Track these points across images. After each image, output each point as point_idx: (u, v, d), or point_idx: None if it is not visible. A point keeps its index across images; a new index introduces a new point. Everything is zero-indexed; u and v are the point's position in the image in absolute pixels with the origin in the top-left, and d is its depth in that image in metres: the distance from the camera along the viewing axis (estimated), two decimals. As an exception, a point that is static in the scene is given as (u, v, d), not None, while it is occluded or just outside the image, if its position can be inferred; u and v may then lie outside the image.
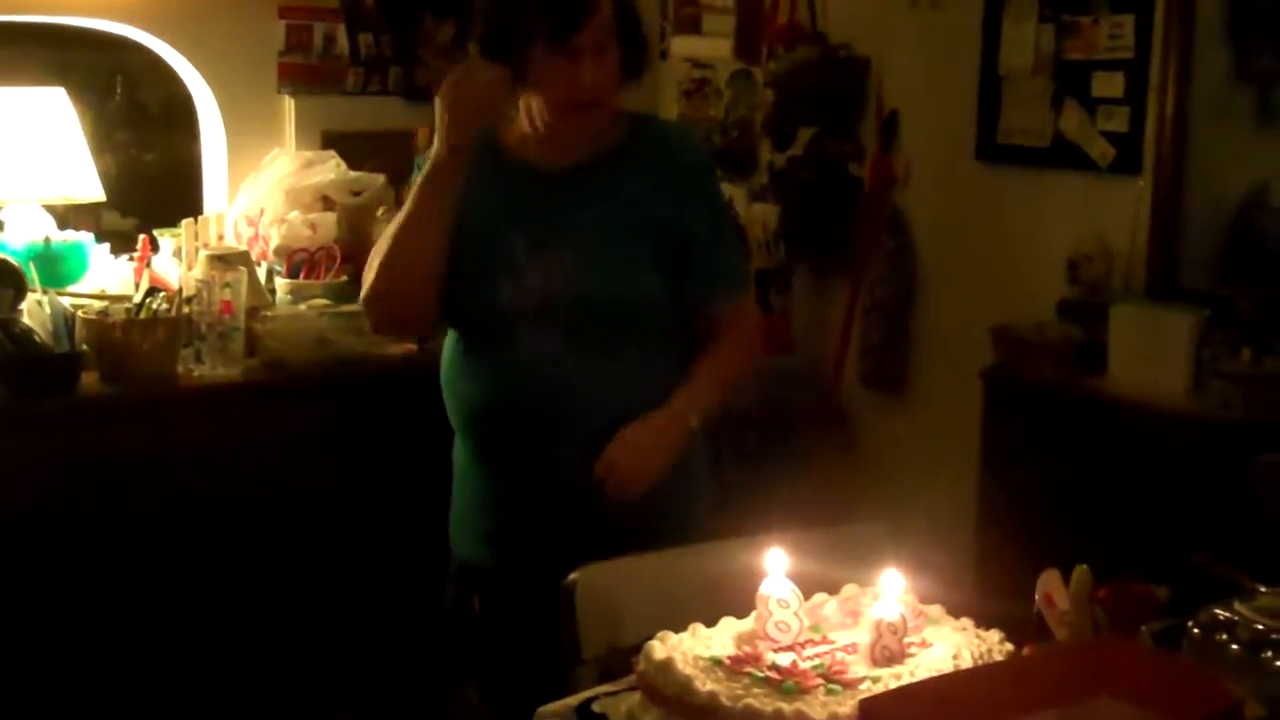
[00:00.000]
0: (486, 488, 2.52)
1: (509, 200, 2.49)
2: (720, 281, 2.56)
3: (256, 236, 3.91)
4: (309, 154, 4.09)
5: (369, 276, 2.49)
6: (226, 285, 3.43)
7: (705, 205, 2.56)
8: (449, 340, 2.56)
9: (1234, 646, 1.60)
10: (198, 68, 4.11)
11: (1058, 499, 3.30)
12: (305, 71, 4.22)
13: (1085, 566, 1.72)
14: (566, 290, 2.40)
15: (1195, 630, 1.66)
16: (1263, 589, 1.66)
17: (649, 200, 2.47)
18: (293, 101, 4.21)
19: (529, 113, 2.46)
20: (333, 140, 4.19)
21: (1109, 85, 3.55)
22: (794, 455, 3.99)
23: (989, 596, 2.00)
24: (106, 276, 3.72)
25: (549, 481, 2.44)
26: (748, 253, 4.15)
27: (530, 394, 2.43)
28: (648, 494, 2.39)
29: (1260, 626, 1.60)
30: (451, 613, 2.61)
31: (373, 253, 2.51)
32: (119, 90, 6.69)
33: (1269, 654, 1.56)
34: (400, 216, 2.45)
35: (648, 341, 2.48)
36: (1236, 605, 1.63)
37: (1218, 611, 1.63)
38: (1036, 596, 1.75)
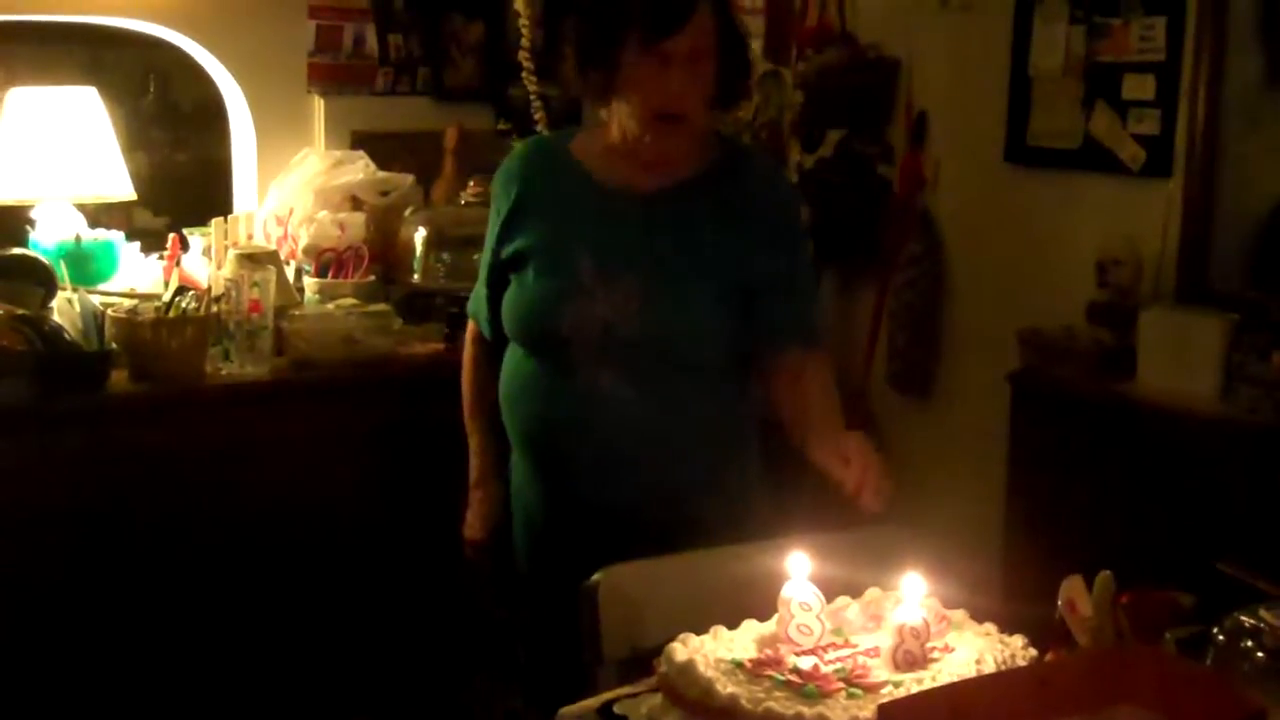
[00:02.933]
0: (541, 502, 2.51)
1: (580, 217, 2.42)
2: (788, 332, 2.43)
3: (285, 236, 3.92)
4: (338, 154, 4.10)
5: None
6: (255, 284, 3.44)
7: (784, 249, 2.46)
8: (511, 355, 2.52)
9: (1259, 654, 1.59)
10: (228, 67, 4.13)
11: (1085, 504, 3.28)
12: (335, 71, 4.24)
13: (1109, 573, 1.71)
14: (629, 326, 2.34)
15: (1220, 637, 1.65)
16: (1288, 596, 1.65)
17: (726, 238, 2.39)
18: (322, 101, 4.22)
19: (616, 125, 2.39)
20: (362, 140, 4.21)
21: (1140, 87, 3.52)
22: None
23: (1013, 601, 1.99)
24: (137, 275, 3.74)
25: (604, 500, 2.40)
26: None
27: (586, 424, 2.39)
28: (700, 503, 2.40)
29: (1286, 634, 1.59)
30: (503, 621, 2.63)
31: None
32: (152, 89, 6.73)
33: (1293, 662, 1.55)
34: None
35: (706, 377, 2.42)
36: (1262, 612, 1.62)
37: (1243, 619, 1.62)
38: (1059, 602, 1.74)
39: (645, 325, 2.34)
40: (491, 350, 2.60)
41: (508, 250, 2.47)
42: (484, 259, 2.59)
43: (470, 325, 2.69)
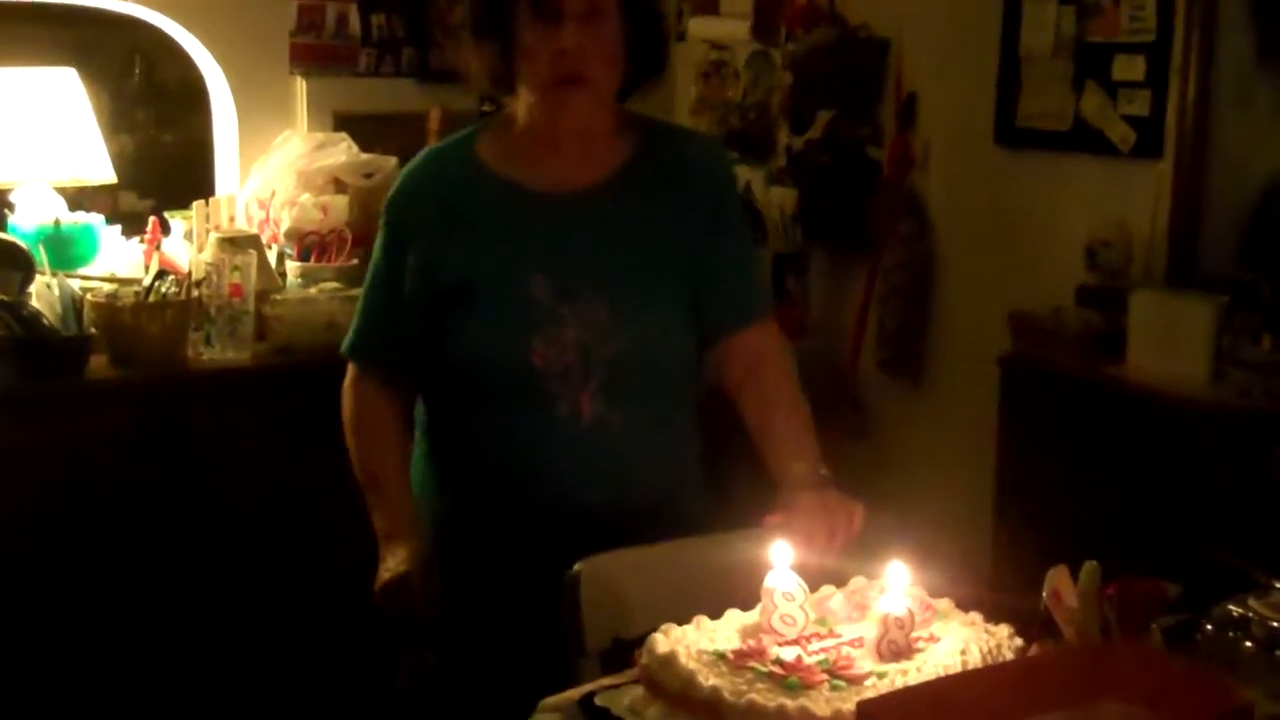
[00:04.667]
0: (501, 518, 2.27)
1: (515, 232, 2.22)
2: (750, 308, 2.34)
3: (268, 219, 3.89)
4: (320, 136, 4.07)
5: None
6: (236, 268, 3.41)
7: (732, 227, 2.34)
8: (453, 401, 2.27)
9: (1247, 644, 1.57)
10: (208, 48, 4.09)
11: (1075, 487, 3.26)
12: (317, 52, 4.19)
13: (1094, 563, 1.68)
14: (607, 346, 2.18)
15: (1208, 627, 1.62)
16: (1277, 584, 1.62)
17: (677, 230, 2.25)
18: (304, 82, 4.18)
19: (521, 106, 2.21)
20: (344, 122, 4.17)
21: (1130, 68, 3.50)
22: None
23: (1003, 586, 1.97)
24: (117, 259, 3.71)
25: (582, 508, 2.22)
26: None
27: (580, 459, 2.20)
28: (648, 498, 2.26)
29: (1275, 624, 1.57)
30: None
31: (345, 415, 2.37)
32: (138, 71, 6.68)
33: (1282, 652, 1.53)
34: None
35: (683, 386, 2.32)
36: (1251, 601, 1.60)
37: (1231, 608, 1.60)
38: (1044, 593, 1.72)
39: (623, 338, 2.19)
40: (393, 396, 2.34)
41: (438, 283, 2.22)
42: (372, 291, 2.33)
43: (353, 371, 2.37)
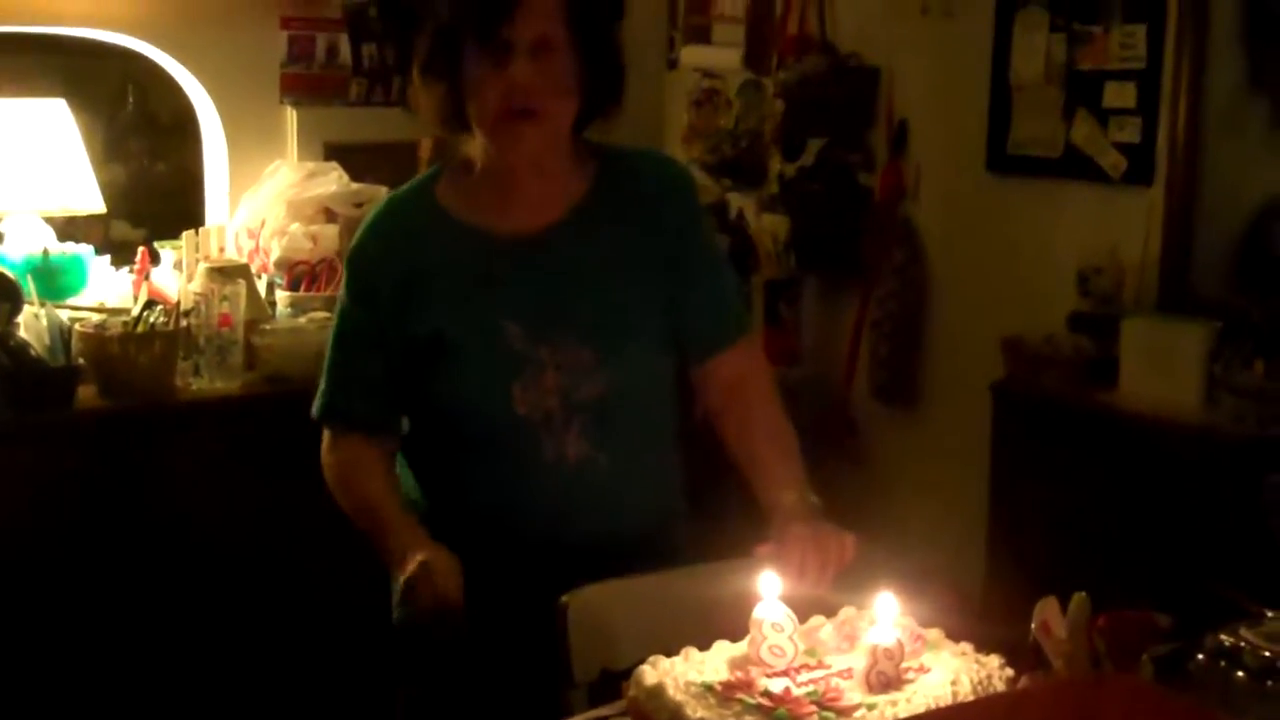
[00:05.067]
0: (481, 577, 2.12)
1: (484, 279, 2.15)
2: (727, 329, 2.29)
3: (257, 249, 3.88)
4: (311, 165, 4.05)
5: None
6: (225, 298, 3.40)
7: (700, 247, 2.28)
8: (429, 454, 2.23)
9: (1239, 674, 1.55)
10: (199, 78, 4.08)
11: (1068, 513, 3.26)
12: (307, 82, 4.18)
13: (1083, 594, 1.67)
14: (591, 390, 2.13)
15: (1200, 657, 1.61)
16: (1269, 614, 1.60)
17: (645, 258, 2.19)
18: (295, 112, 4.17)
19: (476, 147, 2.16)
20: (335, 151, 4.16)
21: (1121, 95, 3.51)
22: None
23: (990, 620, 1.95)
24: (107, 289, 3.69)
25: (560, 564, 2.15)
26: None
27: (564, 504, 2.15)
28: (635, 531, 2.21)
29: (1267, 654, 1.55)
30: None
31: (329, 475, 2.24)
32: (131, 101, 6.68)
33: (1274, 682, 1.51)
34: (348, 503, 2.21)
35: (665, 417, 2.28)
36: (1242, 631, 1.58)
37: (1224, 638, 1.58)
38: (1033, 625, 1.70)
39: (603, 379, 2.14)
40: (377, 446, 2.23)
41: (409, 335, 2.16)
42: (341, 348, 2.24)
43: (329, 436, 2.25)
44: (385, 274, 2.18)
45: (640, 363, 2.20)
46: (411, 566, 1.99)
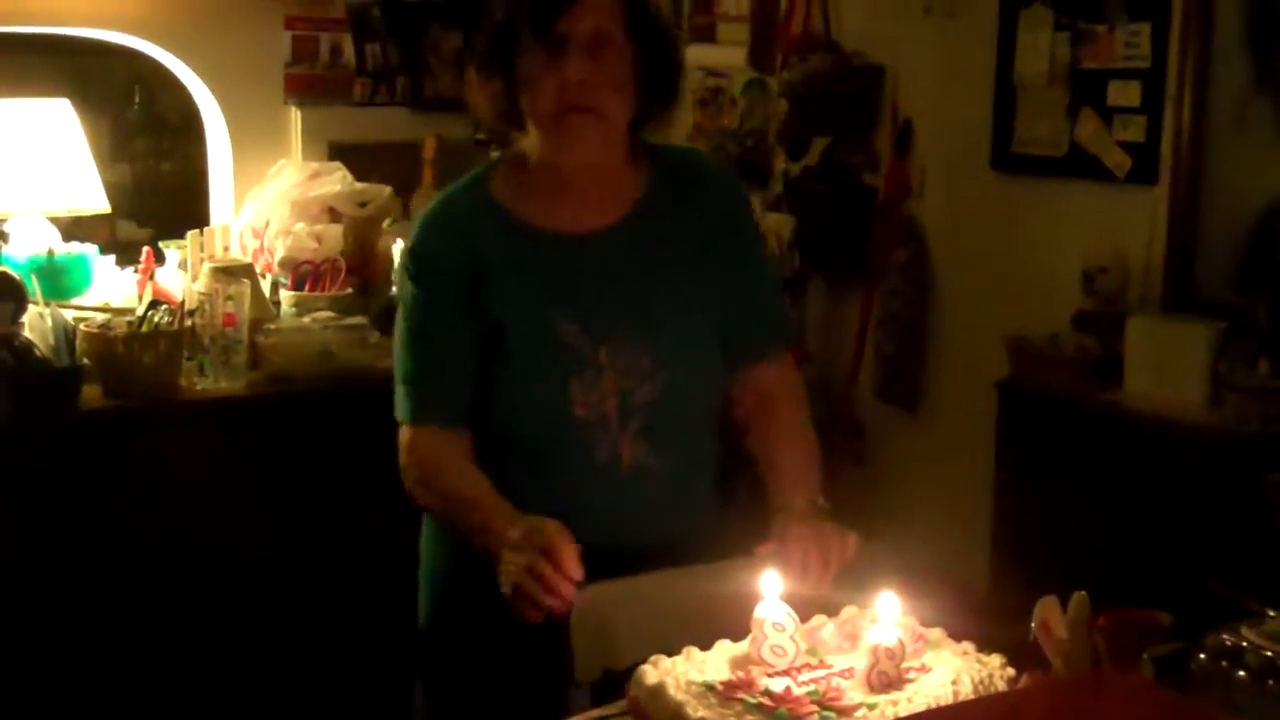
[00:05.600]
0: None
1: (541, 277, 2.13)
2: (773, 338, 2.30)
3: (262, 248, 3.89)
4: (315, 165, 4.07)
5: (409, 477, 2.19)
6: (229, 298, 3.40)
7: (754, 254, 2.29)
8: (487, 452, 2.16)
9: (1240, 673, 1.55)
10: (203, 79, 4.09)
11: (1073, 512, 3.25)
12: (311, 82, 4.19)
13: (1083, 594, 1.66)
14: (646, 390, 2.12)
15: (1201, 656, 1.60)
16: (1271, 613, 1.60)
17: (700, 261, 2.18)
18: (299, 112, 4.18)
19: (531, 144, 2.14)
20: (339, 151, 4.17)
21: (1125, 94, 3.50)
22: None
23: (992, 619, 1.95)
24: (111, 289, 3.70)
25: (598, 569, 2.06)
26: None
27: (613, 508, 2.13)
28: (675, 536, 2.18)
29: (1268, 653, 1.55)
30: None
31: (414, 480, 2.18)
32: (137, 100, 6.69)
33: (1275, 682, 1.51)
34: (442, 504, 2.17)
35: (713, 422, 2.27)
36: (1243, 630, 1.58)
37: (1224, 637, 1.58)
38: (1033, 624, 1.70)
39: (660, 381, 2.13)
40: (462, 439, 2.18)
41: (482, 332, 2.14)
42: (414, 347, 2.19)
43: (411, 433, 2.20)
44: (451, 262, 2.15)
45: (695, 366, 2.18)
46: (516, 572, 1.91)
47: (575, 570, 1.91)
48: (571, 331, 2.11)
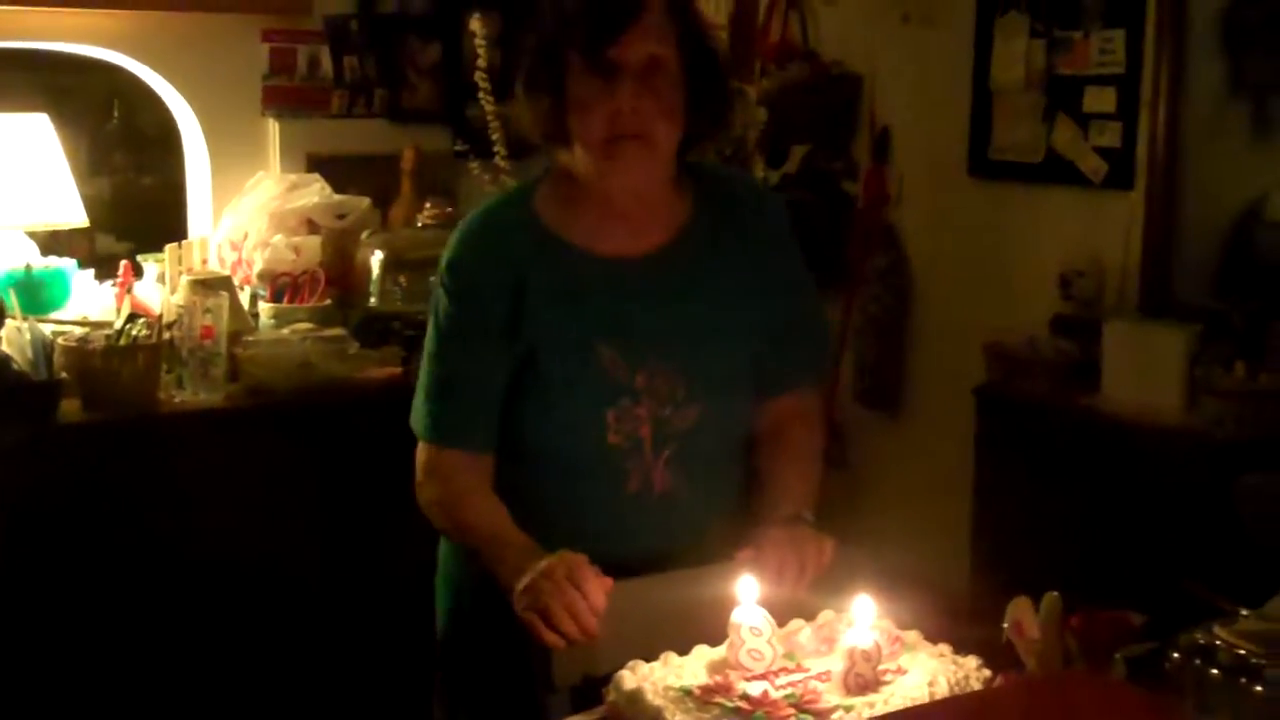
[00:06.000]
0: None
1: (582, 300, 2.09)
2: (809, 371, 2.27)
3: (240, 261, 3.88)
4: (293, 177, 4.05)
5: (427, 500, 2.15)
6: (208, 310, 3.40)
7: (796, 279, 2.24)
8: (513, 476, 2.14)
9: (1213, 672, 1.55)
10: (181, 91, 4.08)
11: (1051, 516, 3.26)
12: (289, 94, 4.18)
13: (1055, 594, 1.67)
14: (680, 419, 2.10)
15: (1175, 655, 1.61)
16: (1244, 612, 1.60)
17: (742, 289, 2.15)
18: (277, 124, 4.17)
19: (577, 164, 2.08)
20: (317, 163, 4.16)
21: (1101, 100, 3.52)
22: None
23: (968, 621, 1.95)
24: (90, 302, 3.69)
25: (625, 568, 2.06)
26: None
27: (638, 532, 2.12)
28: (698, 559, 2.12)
29: (1241, 652, 1.55)
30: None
31: (432, 503, 2.14)
32: (116, 114, 6.68)
33: (1248, 680, 1.51)
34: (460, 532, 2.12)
35: (744, 448, 2.24)
36: (1216, 629, 1.58)
37: (1197, 636, 1.58)
38: (1005, 624, 1.70)
39: (695, 410, 2.10)
40: (484, 464, 2.15)
41: (517, 353, 2.10)
42: (446, 362, 2.15)
43: (431, 451, 2.15)
44: (490, 279, 2.11)
45: (731, 394, 2.16)
46: (545, 595, 1.88)
47: (601, 603, 1.90)
48: (608, 355, 2.08)
